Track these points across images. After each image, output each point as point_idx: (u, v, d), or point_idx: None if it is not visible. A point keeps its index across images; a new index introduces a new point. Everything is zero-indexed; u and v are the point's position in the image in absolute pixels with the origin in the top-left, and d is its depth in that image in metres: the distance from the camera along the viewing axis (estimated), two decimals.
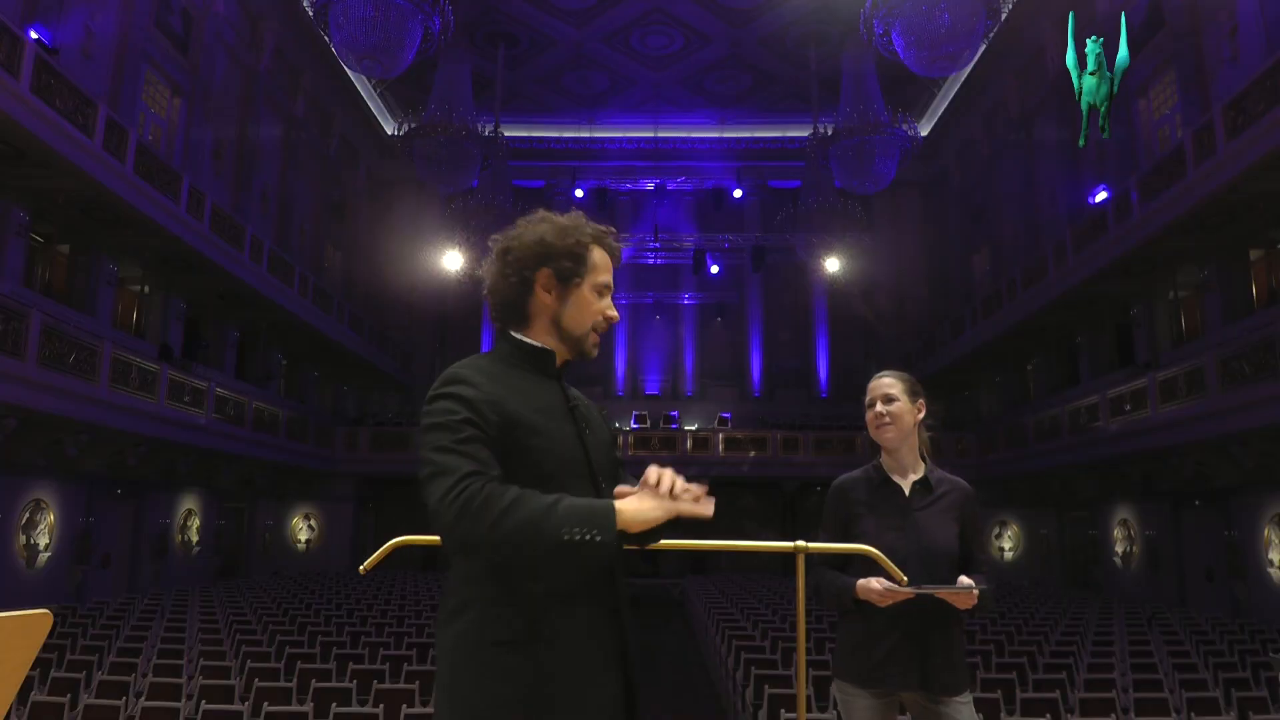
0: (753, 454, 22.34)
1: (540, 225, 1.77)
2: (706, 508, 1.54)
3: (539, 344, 1.76)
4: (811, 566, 2.39)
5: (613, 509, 1.49)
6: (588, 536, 1.44)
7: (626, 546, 1.66)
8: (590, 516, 1.46)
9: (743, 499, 23.85)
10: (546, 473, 1.60)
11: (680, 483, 1.55)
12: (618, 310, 1.85)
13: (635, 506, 1.51)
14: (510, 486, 1.50)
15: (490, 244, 1.82)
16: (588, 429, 1.74)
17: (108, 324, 14.92)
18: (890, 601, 2.43)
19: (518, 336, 1.76)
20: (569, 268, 1.74)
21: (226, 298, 18.49)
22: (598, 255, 1.78)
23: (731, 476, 22.57)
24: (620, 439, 21.59)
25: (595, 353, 1.81)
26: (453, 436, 1.54)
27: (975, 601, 2.41)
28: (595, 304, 1.77)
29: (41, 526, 12.91)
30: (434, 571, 19.83)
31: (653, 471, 1.56)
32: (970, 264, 26.50)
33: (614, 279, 1.84)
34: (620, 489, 1.62)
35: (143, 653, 7.60)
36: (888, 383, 2.68)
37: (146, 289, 17.02)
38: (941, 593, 2.40)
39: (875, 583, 2.43)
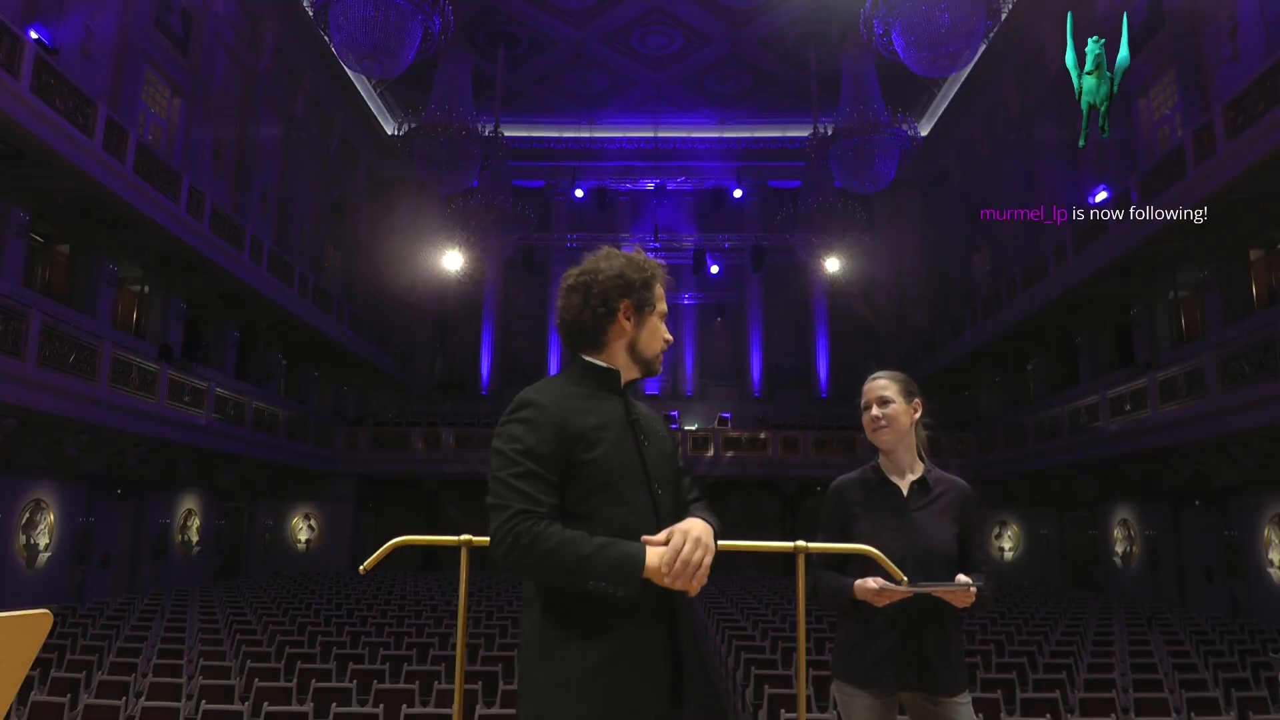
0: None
1: (616, 260, 1.99)
2: (691, 590, 1.71)
3: (606, 364, 1.97)
4: (809, 567, 2.39)
5: (639, 565, 1.67)
6: (612, 590, 1.66)
7: None
8: (616, 572, 1.66)
9: (743, 499, 23.84)
10: (604, 482, 1.81)
11: (679, 568, 1.68)
12: None
13: (655, 566, 1.68)
14: (556, 527, 1.70)
15: (564, 279, 2.02)
16: (646, 441, 1.92)
17: (108, 324, 14.92)
18: (887, 601, 2.43)
19: (588, 359, 1.97)
20: (646, 297, 1.99)
21: (226, 298, 18.49)
22: (659, 287, 2.04)
23: (731, 476, 22.57)
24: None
25: (660, 369, 2.06)
26: (510, 470, 1.76)
27: (972, 600, 2.39)
28: (660, 329, 2.03)
29: (41, 526, 12.91)
30: (434, 571, 19.84)
31: (672, 546, 1.70)
32: (970, 264, 26.50)
33: None
34: (652, 540, 1.75)
35: (143, 653, 7.60)
36: (882, 384, 2.67)
37: (146, 289, 17.02)
38: (938, 591, 2.39)
39: (872, 582, 2.42)
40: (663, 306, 2.03)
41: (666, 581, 1.68)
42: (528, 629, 1.83)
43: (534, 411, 1.82)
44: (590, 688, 1.72)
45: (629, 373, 2.00)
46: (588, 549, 1.67)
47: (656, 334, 2.01)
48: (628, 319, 1.96)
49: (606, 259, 1.99)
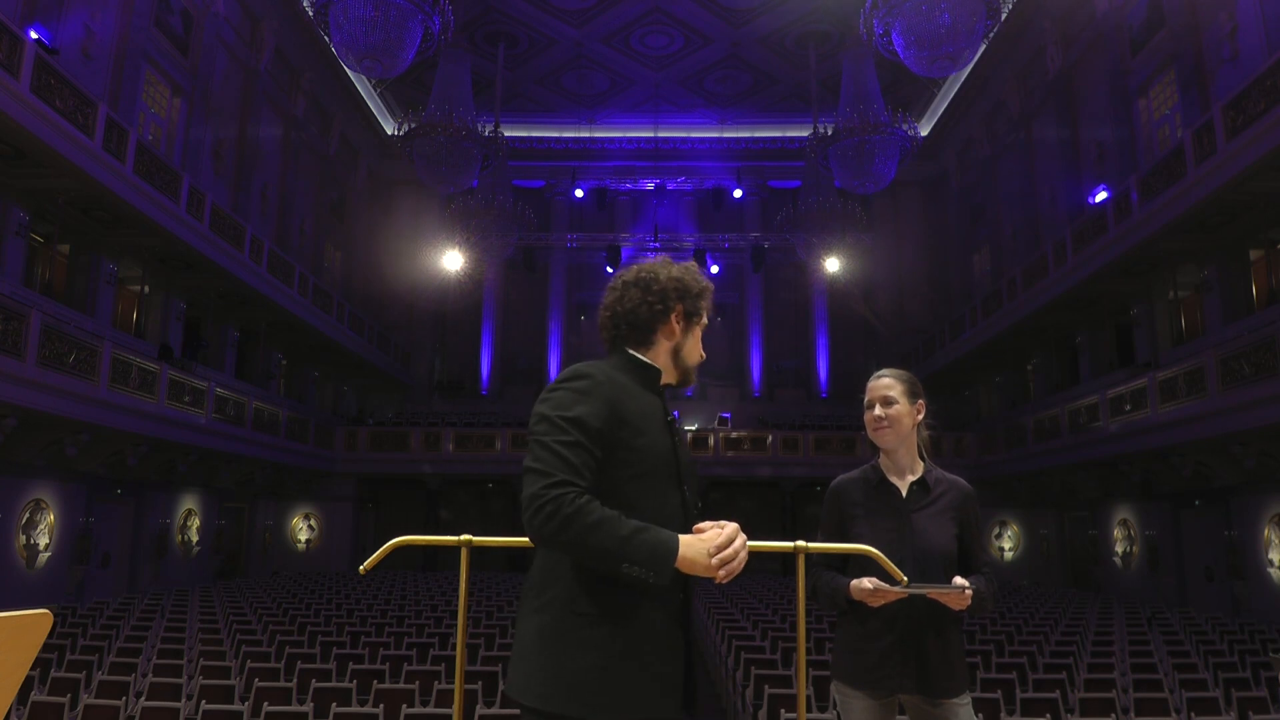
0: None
1: (676, 268, 2.05)
2: (726, 579, 1.73)
3: (650, 361, 2.00)
4: (809, 567, 2.38)
5: (673, 554, 1.68)
6: (645, 575, 1.66)
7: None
8: (652, 558, 1.66)
9: (743, 499, 23.85)
10: (642, 471, 1.82)
11: (730, 555, 1.72)
12: None
13: (691, 556, 1.70)
14: (596, 503, 1.69)
15: (622, 272, 2.07)
16: (680, 442, 1.97)
17: (108, 324, 14.91)
18: (882, 601, 2.41)
19: (632, 352, 2.00)
20: (698, 306, 2.04)
21: (226, 298, 18.49)
22: (707, 302, 2.08)
23: (732, 476, 22.56)
24: None
25: (694, 381, 2.11)
26: (557, 436, 1.74)
27: (969, 602, 2.38)
28: (699, 343, 2.08)
29: (41, 526, 12.91)
30: (434, 571, 19.84)
31: (725, 534, 1.74)
32: (970, 264, 26.51)
33: None
34: (699, 527, 1.79)
35: (143, 653, 7.60)
36: (886, 384, 2.63)
37: (146, 289, 17.02)
38: (933, 593, 2.37)
39: (867, 582, 2.41)
40: (703, 324, 2.09)
41: (712, 564, 1.69)
42: (539, 615, 1.78)
43: (588, 383, 1.82)
44: (611, 675, 1.71)
45: (667, 376, 2.03)
46: (626, 531, 1.66)
47: (697, 346, 2.06)
48: (679, 322, 2.01)
49: (665, 266, 2.05)
